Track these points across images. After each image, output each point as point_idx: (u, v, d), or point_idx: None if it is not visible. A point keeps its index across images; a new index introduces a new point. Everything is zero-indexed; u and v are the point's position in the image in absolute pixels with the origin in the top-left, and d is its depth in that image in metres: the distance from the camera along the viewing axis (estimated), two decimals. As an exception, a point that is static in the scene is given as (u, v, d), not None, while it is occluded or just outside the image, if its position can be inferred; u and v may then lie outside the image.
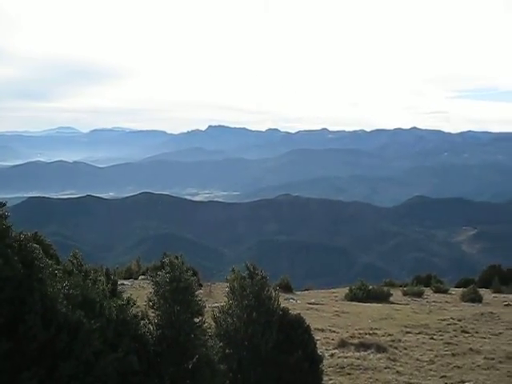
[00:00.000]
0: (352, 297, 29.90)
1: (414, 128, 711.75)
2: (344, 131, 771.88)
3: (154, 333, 7.78)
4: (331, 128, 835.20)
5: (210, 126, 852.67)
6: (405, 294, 33.59)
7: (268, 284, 10.05)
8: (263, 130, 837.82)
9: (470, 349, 18.52)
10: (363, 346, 17.18)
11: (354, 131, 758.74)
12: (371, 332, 20.04)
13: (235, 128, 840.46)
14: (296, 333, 9.91)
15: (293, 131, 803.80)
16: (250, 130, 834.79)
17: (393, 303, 29.99)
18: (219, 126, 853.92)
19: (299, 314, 10.44)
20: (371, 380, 14.11)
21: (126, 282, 25.33)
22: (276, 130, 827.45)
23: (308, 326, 10.17)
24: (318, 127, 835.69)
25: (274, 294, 9.87)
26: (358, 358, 15.91)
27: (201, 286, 25.18)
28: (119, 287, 8.56)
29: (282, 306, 10.55)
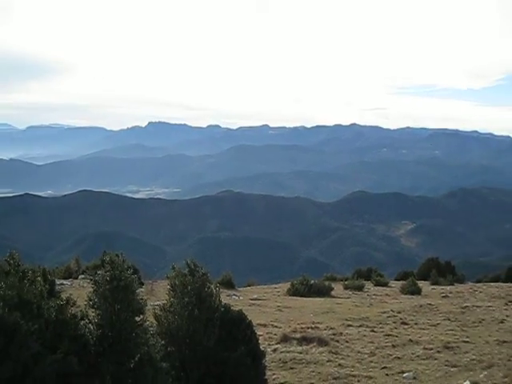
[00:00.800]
0: (294, 292, 30.09)
1: (354, 124, 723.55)
2: (285, 127, 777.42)
3: (94, 333, 7.63)
4: (272, 124, 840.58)
5: (150, 123, 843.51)
6: (346, 287, 34.03)
7: (209, 281, 10.02)
8: (204, 126, 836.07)
9: (410, 340, 18.91)
10: (305, 340, 17.31)
11: (295, 127, 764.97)
12: (313, 326, 20.21)
13: (176, 124, 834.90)
14: (238, 329, 9.92)
15: (234, 127, 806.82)
16: (191, 127, 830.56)
17: (334, 297, 30.34)
18: (159, 122, 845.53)
19: (241, 310, 10.44)
20: (313, 373, 14.22)
21: (65, 282, 24.80)
22: (217, 126, 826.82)
23: (250, 321, 10.19)
24: (259, 123, 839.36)
25: (215, 290, 9.85)
26: (301, 352, 16.02)
27: (142, 284, 24.89)
28: (58, 287, 8.40)
29: (225, 302, 10.54)
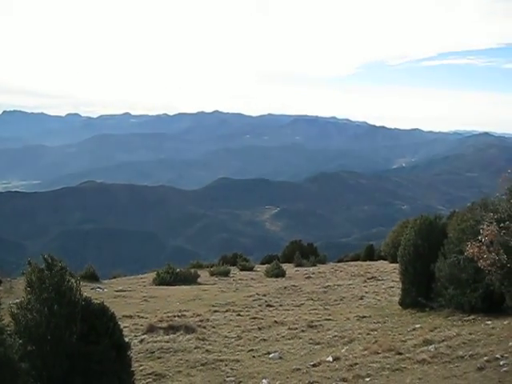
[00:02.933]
0: (160, 281, 29.93)
1: (217, 111, 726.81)
2: (147, 115, 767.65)
3: None
4: (134, 112, 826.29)
5: (4, 112, 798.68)
6: (212, 274, 34.31)
7: (70, 274, 9.67)
8: (63, 114, 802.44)
9: (275, 321, 19.36)
10: (172, 329, 17.21)
11: (158, 115, 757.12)
12: (180, 314, 20.17)
13: (32, 113, 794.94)
14: (101, 322, 9.64)
15: (94, 116, 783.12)
16: (49, 115, 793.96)
17: (201, 284, 30.51)
18: (14, 111, 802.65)
19: (103, 302, 10.16)
20: (181, 361, 14.18)
21: None
22: (77, 114, 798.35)
23: (113, 313, 9.93)
24: (121, 111, 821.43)
25: (75, 284, 9.51)
26: (168, 341, 15.91)
27: (0, 282, 23.76)
28: None
29: (87, 295, 10.22)
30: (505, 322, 15.65)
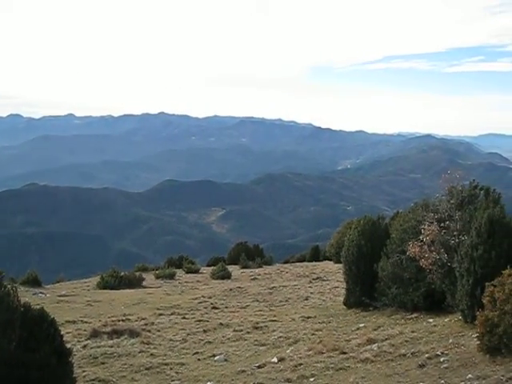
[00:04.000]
0: (104, 285, 29.47)
1: (162, 113, 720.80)
2: (91, 116, 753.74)
3: None
4: (78, 113, 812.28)
5: None
6: (157, 277, 33.99)
7: (11, 280, 9.43)
8: (4, 115, 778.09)
9: (220, 323, 19.34)
10: (116, 333, 16.97)
11: (102, 116, 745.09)
12: (124, 318, 19.95)
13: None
14: (40, 328, 9.42)
15: (37, 117, 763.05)
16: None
17: (146, 287, 30.21)
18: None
19: (43, 308, 9.92)
20: (125, 366, 13.98)
21: None
22: (18, 115, 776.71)
23: (53, 319, 9.71)
24: (64, 112, 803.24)
25: (12, 290, 9.25)
26: (112, 346, 15.67)
27: None
28: None
29: (28, 301, 9.98)
30: (446, 320, 15.98)
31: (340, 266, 24.97)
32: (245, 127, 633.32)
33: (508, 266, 11.58)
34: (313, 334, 17.05)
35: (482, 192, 18.41)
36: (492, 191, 18.47)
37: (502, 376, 9.11)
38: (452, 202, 17.59)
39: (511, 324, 10.31)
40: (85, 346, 15.77)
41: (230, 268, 38.37)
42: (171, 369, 13.81)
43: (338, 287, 26.86)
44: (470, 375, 9.83)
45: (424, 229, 17.10)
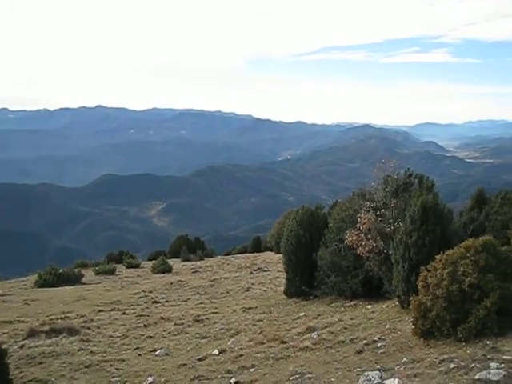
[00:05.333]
0: (42, 283, 28.89)
1: (100, 106, 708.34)
2: (26, 111, 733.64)
3: None
4: (12, 107, 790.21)
5: None
6: (97, 273, 33.60)
7: None
8: None
9: (161, 317, 19.21)
10: (54, 332, 16.63)
11: (38, 110, 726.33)
12: (63, 316, 19.57)
13: None
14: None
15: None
16: None
17: (85, 284, 29.77)
18: None
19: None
20: (64, 365, 13.72)
21: None
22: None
23: (-14, 320, 9.49)
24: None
25: None
26: (50, 345, 15.34)
27: None
28: None
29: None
30: (384, 306, 16.32)
31: (281, 256, 25.16)
32: (184, 119, 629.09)
33: (441, 252, 11.88)
34: (254, 325, 17.14)
35: (416, 180, 18.85)
36: (426, 179, 18.93)
37: (435, 358, 9.36)
38: (387, 190, 17.94)
39: (443, 308, 10.60)
40: (22, 347, 15.40)
41: (171, 261, 38.21)
42: (111, 365, 13.64)
43: (278, 277, 27.10)
44: (405, 359, 10.06)
45: (360, 217, 17.39)
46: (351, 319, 15.43)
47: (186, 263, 39.88)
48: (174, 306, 21.80)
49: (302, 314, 17.92)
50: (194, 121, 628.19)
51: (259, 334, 15.45)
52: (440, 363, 9.00)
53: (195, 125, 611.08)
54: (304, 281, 21.01)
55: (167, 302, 22.83)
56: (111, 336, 16.83)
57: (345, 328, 14.38)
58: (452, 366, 8.55)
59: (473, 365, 8.36)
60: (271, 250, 45.32)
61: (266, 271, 31.48)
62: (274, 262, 34.85)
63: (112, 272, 33.71)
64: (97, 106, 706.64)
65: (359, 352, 11.67)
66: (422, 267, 11.97)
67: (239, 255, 47.33)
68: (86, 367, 13.57)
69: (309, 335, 14.21)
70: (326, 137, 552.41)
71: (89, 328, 17.79)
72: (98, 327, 18.02)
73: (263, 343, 14.10)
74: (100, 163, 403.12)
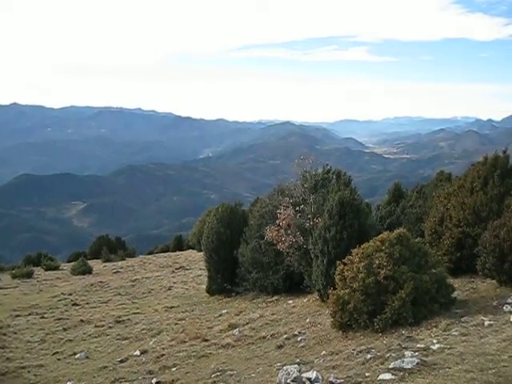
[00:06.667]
0: (-46, 288, 27.83)
1: (15, 104, 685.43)
2: None
3: None
4: None
5: None
6: (14, 276, 32.66)
7: None
8: None
9: (81, 320, 18.88)
10: (-33, 340, 16.08)
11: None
12: (-24, 323, 18.93)
13: None
14: None
15: None
16: None
17: (1, 288, 28.79)
18: None
19: None
20: (-21, 373, 13.28)
21: None
22: None
23: None
24: None
25: None
26: (-38, 354, 14.82)
27: None
28: None
29: None
30: (304, 300, 16.55)
31: (202, 254, 25.14)
32: (104, 117, 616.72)
33: (359, 246, 12.13)
34: (176, 324, 17.07)
35: (334, 176, 19.20)
36: (343, 174, 19.32)
37: (353, 350, 9.54)
38: (306, 186, 18.17)
39: (360, 300, 10.85)
40: None
41: (92, 263, 37.60)
42: (29, 372, 13.33)
43: (200, 275, 27.06)
44: (324, 352, 10.23)
45: (280, 213, 17.55)
46: (272, 314, 15.57)
47: (106, 264, 39.27)
48: (95, 307, 21.45)
49: (224, 312, 17.96)
50: (114, 119, 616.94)
51: (181, 332, 15.41)
52: (358, 354, 9.19)
53: (115, 123, 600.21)
54: (226, 278, 21.07)
55: (87, 304, 22.43)
56: (29, 341, 16.41)
57: (266, 323, 14.51)
58: (369, 356, 8.74)
59: (388, 354, 8.57)
60: (193, 248, 45.18)
61: (188, 269, 31.38)
62: (196, 260, 34.77)
63: (30, 275, 32.81)
64: (12, 104, 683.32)
65: (280, 347, 11.80)
66: (338, 261, 12.21)
67: (161, 254, 46.96)
68: (1, 375, 13.19)
69: (231, 332, 14.27)
70: (248, 134, 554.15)
71: (5, 334, 17.27)
72: (15, 332, 17.52)
73: (185, 342, 14.06)
74: (16, 163, 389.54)
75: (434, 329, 9.79)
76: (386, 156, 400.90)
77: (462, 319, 9.99)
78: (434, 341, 8.80)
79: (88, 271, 33.62)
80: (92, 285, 27.44)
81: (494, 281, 12.71)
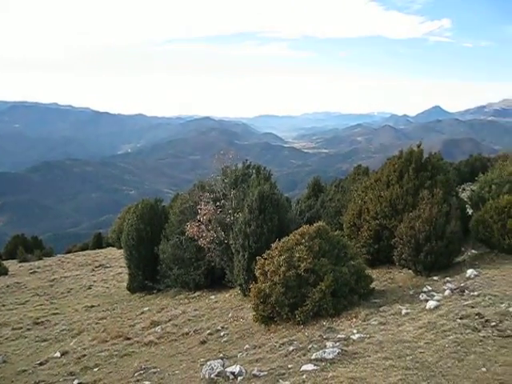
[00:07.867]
0: None
1: None
2: None
3: None
4: None
5: None
6: None
7: None
8: None
9: (-3, 323, 18.29)
10: None
11: None
12: None
13: None
14: None
15: None
16: None
17: None
18: None
19: None
20: None
21: None
22: None
23: None
24: None
25: None
26: None
27: None
28: None
29: None
30: (226, 295, 16.63)
31: (123, 251, 24.83)
32: (17, 112, 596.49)
33: (279, 239, 12.28)
34: (97, 323, 16.81)
35: (253, 171, 19.35)
36: (263, 169, 19.49)
37: (276, 342, 9.67)
38: (226, 181, 18.25)
39: (281, 293, 10.99)
40: None
41: (7, 263, 36.44)
42: None
43: (121, 273, 26.72)
44: (247, 345, 10.31)
45: (201, 209, 17.56)
46: (195, 310, 15.57)
47: (23, 264, 38.14)
48: (11, 309, 20.81)
49: (145, 309, 17.82)
50: (28, 114, 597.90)
51: (103, 332, 15.18)
52: (280, 347, 9.32)
53: (29, 118, 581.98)
54: (147, 275, 20.90)
55: (3, 306, 21.75)
56: None
57: (189, 320, 14.49)
58: (291, 348, 8.87)
59: (310, 346, 8.73)
60: (113, 246, 44.55)
61: (108, 268, 30.92)
62: (116, 258, 34.31)
63: None
64: None
65: (203, 342, 11.82)
66: (258, 256, 12.33)
67: (80, 253, 45.98)
68: None
69: (153, 330, 14.17)
70: (167, 129, 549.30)
71: None
72: None
73: (107, 341, 13.87)
74: None
75: (354, 319, 10.05)
76: (305, 151, 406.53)
77: (381, 309, 10.31)
78: (354, 331, 9.04)
79: (3, 272, 32.53)
80: (8, 286, 26.60)
81: (410, 271, 13.20)
